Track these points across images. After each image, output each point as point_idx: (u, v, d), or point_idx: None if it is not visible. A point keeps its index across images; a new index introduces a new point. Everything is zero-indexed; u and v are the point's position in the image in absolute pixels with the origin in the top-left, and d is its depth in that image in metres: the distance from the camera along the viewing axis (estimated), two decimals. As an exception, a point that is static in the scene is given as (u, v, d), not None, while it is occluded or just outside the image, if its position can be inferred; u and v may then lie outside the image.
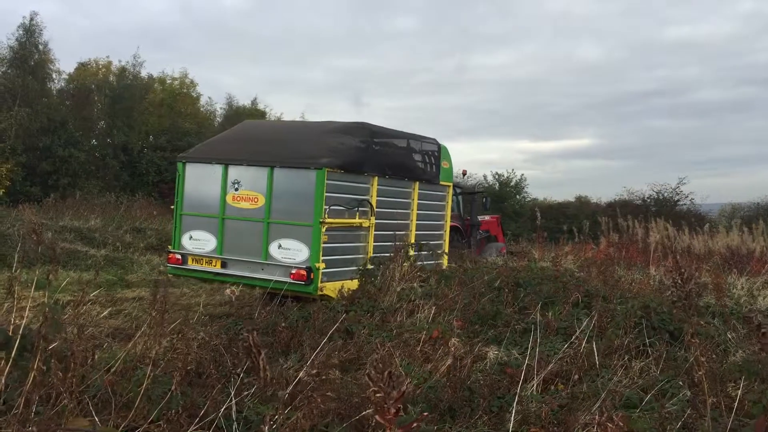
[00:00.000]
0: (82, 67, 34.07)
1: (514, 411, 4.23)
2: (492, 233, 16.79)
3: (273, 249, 9.10)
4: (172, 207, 10.27)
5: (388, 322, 7.38)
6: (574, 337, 6.29)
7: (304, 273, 8.73)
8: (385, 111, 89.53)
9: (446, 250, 11.85)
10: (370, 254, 9.68)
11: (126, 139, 31.55)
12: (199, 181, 9.89)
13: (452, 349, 5.95)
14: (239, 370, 4.52)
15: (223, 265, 9.53)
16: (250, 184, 9.37)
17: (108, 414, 3.85)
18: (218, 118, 38.49)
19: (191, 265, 9.84)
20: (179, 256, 9.92)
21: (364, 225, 9.65)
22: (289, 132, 10.70)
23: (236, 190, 9.45)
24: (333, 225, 8.99)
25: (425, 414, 3.95)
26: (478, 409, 4.96)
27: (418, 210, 10.98)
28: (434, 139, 11.67)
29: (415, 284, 8.48)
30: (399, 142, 10.80)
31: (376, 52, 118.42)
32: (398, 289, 8.34)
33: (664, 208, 29.85)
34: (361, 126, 10.05)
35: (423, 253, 10.24)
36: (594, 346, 6.07)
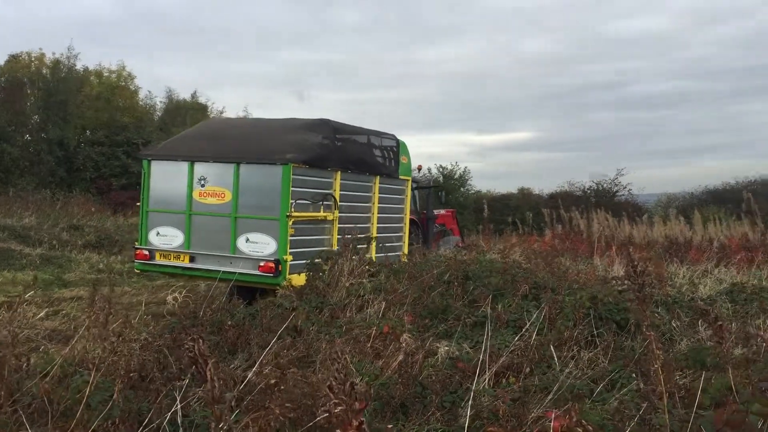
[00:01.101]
0: (14, 59, 32.69)
1: (468, 406, 4.19)
2: (448, 227, 17.07)
3: (241, 243, 9.35)
4: (138, 204, 10.36)
5: (337, 318, 7.28)
6: (524, 330, 6.30)
7: (273, 265, 8.99)
8: (331, 104, 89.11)
9: (406, 243, 12.23)
10: (335, 247, 9.90)
11: (61, 134, 30.45)
12: (165, 178, 10.03)
13: (403, 344, 5.89)
14: (186, 375, 4.33)
15: (192, 259, 9.71)
16: (217, 180, 9.57)
17: (45, 425, 3.64)
18: (158, 112, 37.50)
19: (159, 260, 9.97)
20: (146, 252, 10.03)
21: (328, 218, 9.96)
22: (254, 129, 10.79)
23: (203, 186, 9.64)
24: (299, 218, 9.31)
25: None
26: (430, 405, 4.90)
27: (379, 204, 11.39)
28: (393, 135, 11.98)
29: (364, 279, 8.39)
30: (360, 138, 11.10)
31: (321, 45, 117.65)
32: (347, 284, 8.24)
33: (603, 199, 30.47)
34: (324, 122, 10.27)
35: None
36: (544, 337, 6.10)
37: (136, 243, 10.38)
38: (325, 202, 9.86)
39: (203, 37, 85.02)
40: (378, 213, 11.36)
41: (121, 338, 5.00)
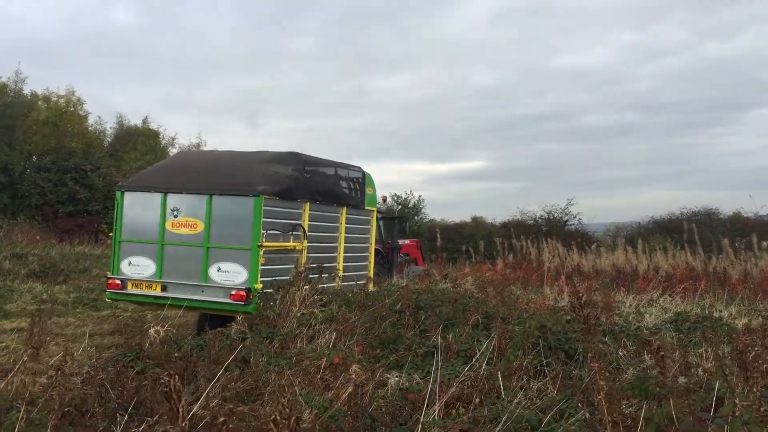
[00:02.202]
0: (-43, 82, 31.84)
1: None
2: (412, 256, 17.53)
3: (212, 272, 9.55)
4: (111, 234, 10.58)
5: (287, 349, 7.18)
6: (474, 360, 6.31)
7: (244, 294, 9.19)
8: (284, 132, 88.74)
9: (371, 272, 12.66)
10: None
11: (6, 160, 29.64)
12: (138, 208, 10.27)
13: (353, 376, 5.84)
14: (128, 410, 4.21)
15: (164, 288, 9.88)
16: (190, 211, 9.83)
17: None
18: (108, 138, 36.82)
19: (131, 289, 10.12)
20: (119, 281, 10.17)
21: (297, 248, 10.24)
22: (225, 161, 11.06)
23: (175, 216, 9.89)
24: (270, 248, 9.57)
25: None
26: (380, 437, 4.85)
27: (345, 234, 11.75)
28: (359, 167, 12.41)
29: (315, 309, 8.32)
30: (328, 170, 11.48)
31: (274, 72, 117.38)
32: (298, 314, 8.16)
33: (554, 228, 30.91)
34: (294, 155, 10.66)
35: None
36: (494, 368, 6.11)
37: (108, 272, 10.50)
38: (294, 233, 10.15)
39: (155, 62, 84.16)
40: (345, 243, 11.72)
41: (60, 372, 4.83)
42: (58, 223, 27.26)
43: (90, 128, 35.87)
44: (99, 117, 42.39)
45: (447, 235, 29.30)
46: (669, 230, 28.32)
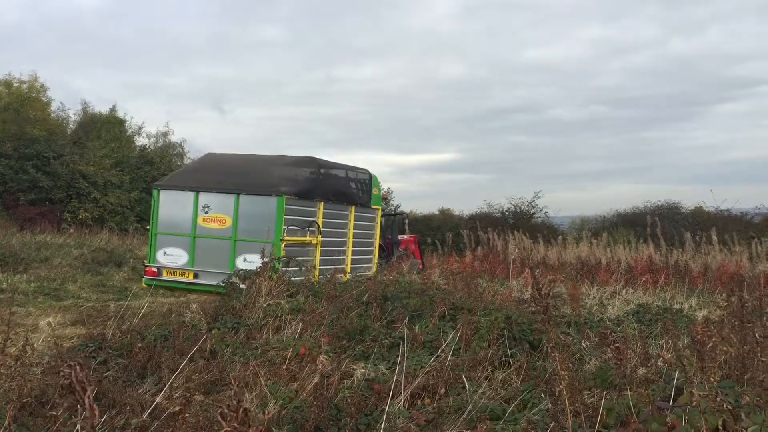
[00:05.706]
0: None
1: (382, 429, 4.17)
2: (410, 251, 18.40)
3: (239, 262, 10.80)
4: (148, 228, 12.01)
5: (253, 340, 7.15)
6: (440, 351, 6.35)
7: None
8: (253, 120, 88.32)
9: (375, 263, 14.15)
10: (317, 266, 11.54)
11: (-34, 146, 28.91)
12: (173, 205, 11.63)
13: (319, 366, 5.83)
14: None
15: (195, 276, 11.27)
16: (219, 207, 11.22)
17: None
18: (71, 125, 36.08)
19: (166, 276, 11.52)
20: (155, 269, 11.57)
21: (312, 242, 11.63)
22: (250, 164, 12.41)
23: (206, 212, 11.26)
24: (289, 242, 10.88)
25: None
26: (345, 428, 4.86)
27: (354, 230, 13.22)
28: (366, 170, 13.97)
29: (282, 300, 8.30)
30: (339, 173, 12.97)
31: (243, 60, 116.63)
32: (265, 304, 8.12)
33: (521, 221, 31.17)
34: (312, 160, 12.10)
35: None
36: (460, 358, 6.15)
37: (146, 261, 11.95)
38: (310, 228, 11.47)
39: (121, 48, 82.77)
40: (353, 238, 13.13)
41: (20, 362, 4.74)
42: (20, 211, 26.68)
43: (53, 115, 35.16)
44: (62, 103, 41.62)
45: (415, 226, 29.34)
46: (633, 223, 28.71)
